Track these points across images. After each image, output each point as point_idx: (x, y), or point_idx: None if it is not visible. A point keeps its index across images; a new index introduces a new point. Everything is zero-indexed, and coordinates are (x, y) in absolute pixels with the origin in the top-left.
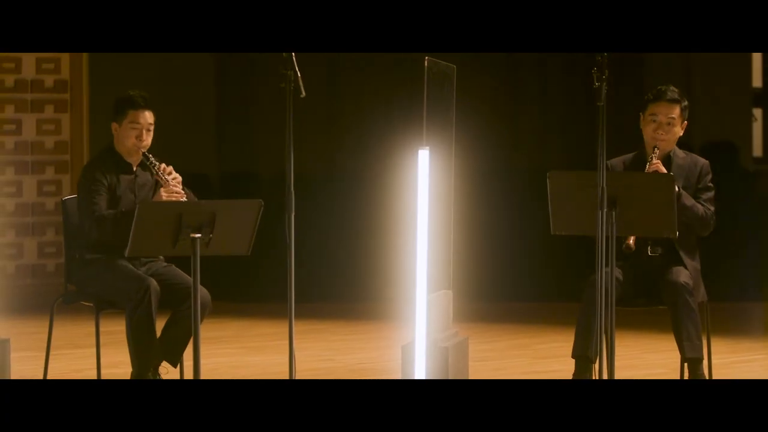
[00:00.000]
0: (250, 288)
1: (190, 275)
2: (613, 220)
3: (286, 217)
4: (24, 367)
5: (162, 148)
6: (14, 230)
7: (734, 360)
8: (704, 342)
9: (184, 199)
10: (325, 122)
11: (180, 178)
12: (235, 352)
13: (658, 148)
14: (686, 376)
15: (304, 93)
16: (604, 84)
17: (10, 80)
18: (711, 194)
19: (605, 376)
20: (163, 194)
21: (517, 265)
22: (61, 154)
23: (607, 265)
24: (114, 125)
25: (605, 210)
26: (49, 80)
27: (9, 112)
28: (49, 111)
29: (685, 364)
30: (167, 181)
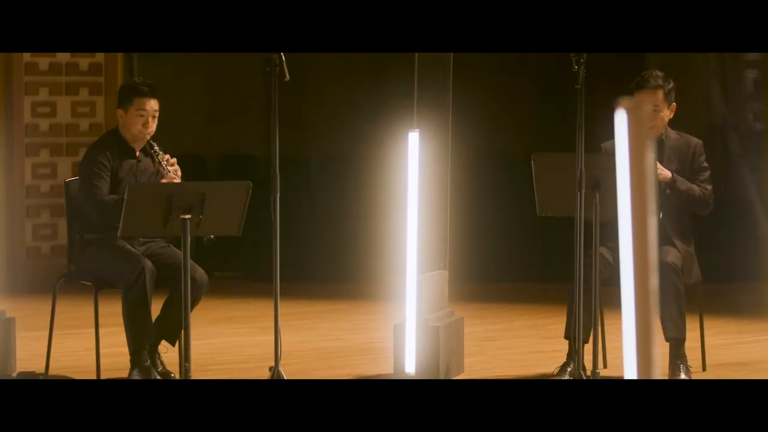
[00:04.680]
0: (282, 268)
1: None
2: (597, 202)
3: (272, 199)
4: (32, 345)
5: (212, 130)
6: (49, 211)
7: (740, 341)
8: (703, 323)
9: None
10: (321, 104)
11: (180, 171)
12: (248, 331)
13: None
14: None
15: (288, 77)
16: (583, 67)
17: (44, 63)
18: (707, 174)
19: (599, 357)
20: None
21: (530, 244)
22: (95, 136)
23: (591, 246)
24: (119, 112)
25: (584, 192)
26: (83, 63)
27: (44, 95)
28: (83, 94)
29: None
30: (168, 171)
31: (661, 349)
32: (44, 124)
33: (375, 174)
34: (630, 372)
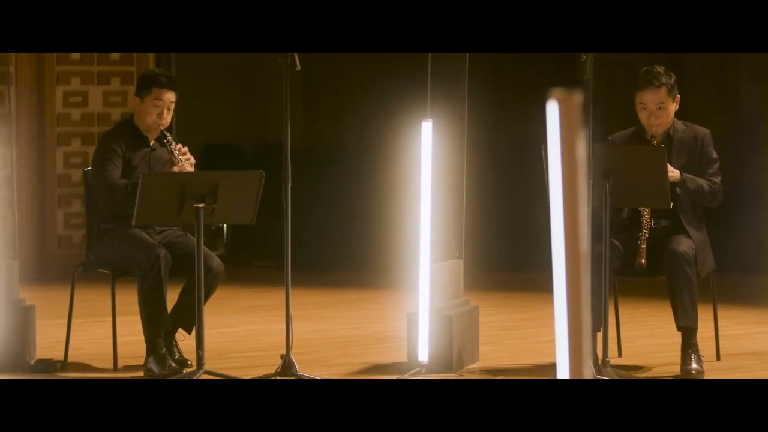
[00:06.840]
0: (305, 257)
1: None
2: (607, 192)
3: (283, 188)
4: (52, 332)
5: (247, 120)
6: (80, 200)
7: (758, 331)
8: (716, 313)
9: None
10: (346, 94)
11: (193, 160)
12: (270, 319)
13: (654, 136)
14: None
15: (299, 67)
16: (591, 58)
17: (76, 53)
18: (716, 166)
19: (611, 346)
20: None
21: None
22: None
23: (601, 237)
24: (136, 99)
25: (592, 182)
26: (115, 53)
27: (75, 84)
28: (115, 83)
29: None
30: (180, 160)
31: (668, 339)
32: (76, 113)
33: (395, 163)
34: (562, 370)
